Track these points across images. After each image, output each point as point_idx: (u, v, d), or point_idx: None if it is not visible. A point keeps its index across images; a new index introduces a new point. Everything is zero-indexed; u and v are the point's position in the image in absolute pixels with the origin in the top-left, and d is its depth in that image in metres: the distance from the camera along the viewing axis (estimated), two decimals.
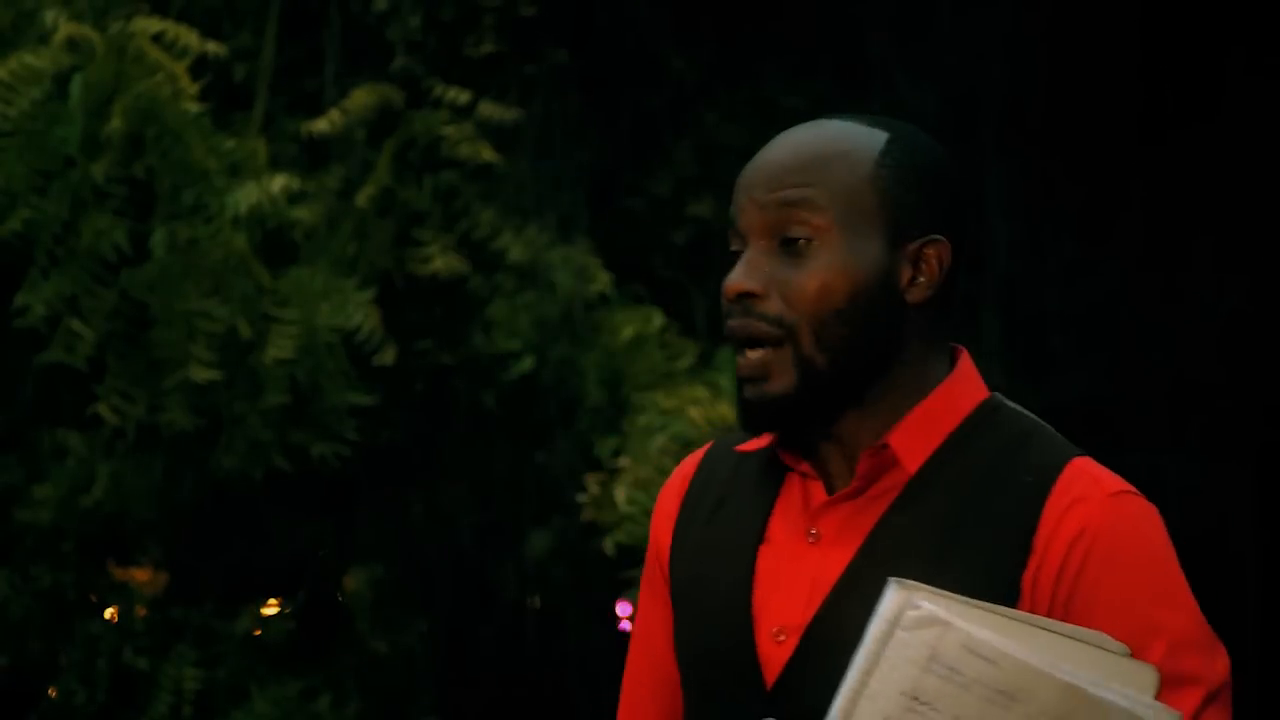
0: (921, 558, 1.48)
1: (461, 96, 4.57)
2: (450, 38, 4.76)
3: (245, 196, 4.22)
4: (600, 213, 5.04)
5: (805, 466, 1.59)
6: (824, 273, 1.53)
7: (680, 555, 1.63)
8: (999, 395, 1.61)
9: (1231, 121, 5.70)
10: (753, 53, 5.42)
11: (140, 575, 5.01)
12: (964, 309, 5.73)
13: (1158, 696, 1.46)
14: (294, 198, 4.35)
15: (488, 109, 4.56)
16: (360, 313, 4.36)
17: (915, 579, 1.44)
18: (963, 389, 1.58)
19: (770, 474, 1.61)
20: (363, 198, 4.50)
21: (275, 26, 4.66)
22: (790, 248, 1.54)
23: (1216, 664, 1.52)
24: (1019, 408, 1.61)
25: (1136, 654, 1.47)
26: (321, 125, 4.48)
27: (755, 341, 1.53)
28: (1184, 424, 5.77)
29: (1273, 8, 5.54)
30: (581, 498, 4.42)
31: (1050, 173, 5.67)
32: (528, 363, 4.62)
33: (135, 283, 4.26)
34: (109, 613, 4.90)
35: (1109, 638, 1.46)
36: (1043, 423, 1.60)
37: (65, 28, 4.20)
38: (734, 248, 1.57)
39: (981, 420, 1.58)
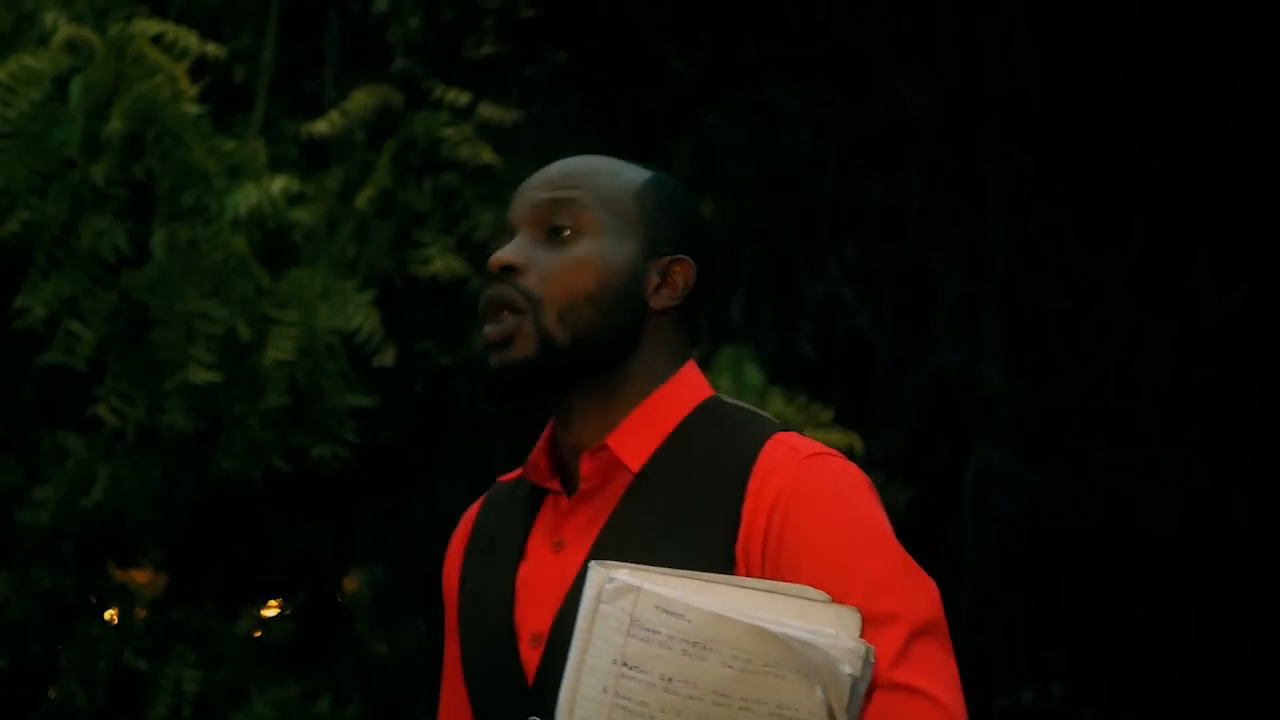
0: (644, 549, 1.58)
1: (461, 98, 4.58)
2: (450, 39, 4.77)
3: (245, 198, 4.23)
4: None
5: (553, 483, 1.73)
6: (579, 258, 1.69)
7: (462, 589, 1.78)
8: (721, 396, 1.74)
9: (1231, 124, 5.71)
10: (752, 54, 5.42)
11: (140, 577, 5.02)
12: (963, 310, 5.73)
13: (862, 635, 1.53)
14: (294, 199, 4.36)
15: (488, 110, 4.57)
16: (360, 314, 4.36)
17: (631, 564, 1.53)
18: (682, 391, 1.71)
19: (531, 497, 1.76)
20: (362, 199, 4.50)
21: (275, 28, 4.67)
22: (554, 236, 1.70)
23: (919, 601, 1.59)
24: (741, 404, 1.74)
25: (838, 601, 1.54)
26: (321, 127, 4.49)
27: (503, 307, 1.69)
28: (1183, 425, 5.78)
29: (1273, 13, 5.55)
30: None
31: (1049, 174, 5.68)
32: None
33: (135, 284, 4.27)
34: (109, 614, 4.90)
35: (810, 589, 1.54)
36: (761, 413, 1.72)
37: (65, 29, 4.20)
38: (501, 243, 1.74)
39: (700, 418, 1.70)
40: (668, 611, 1.49)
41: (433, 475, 5.10)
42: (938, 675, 1.56)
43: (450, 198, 4.65)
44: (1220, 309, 5.75)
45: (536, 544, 1.71)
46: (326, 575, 5.25)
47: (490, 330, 1.71)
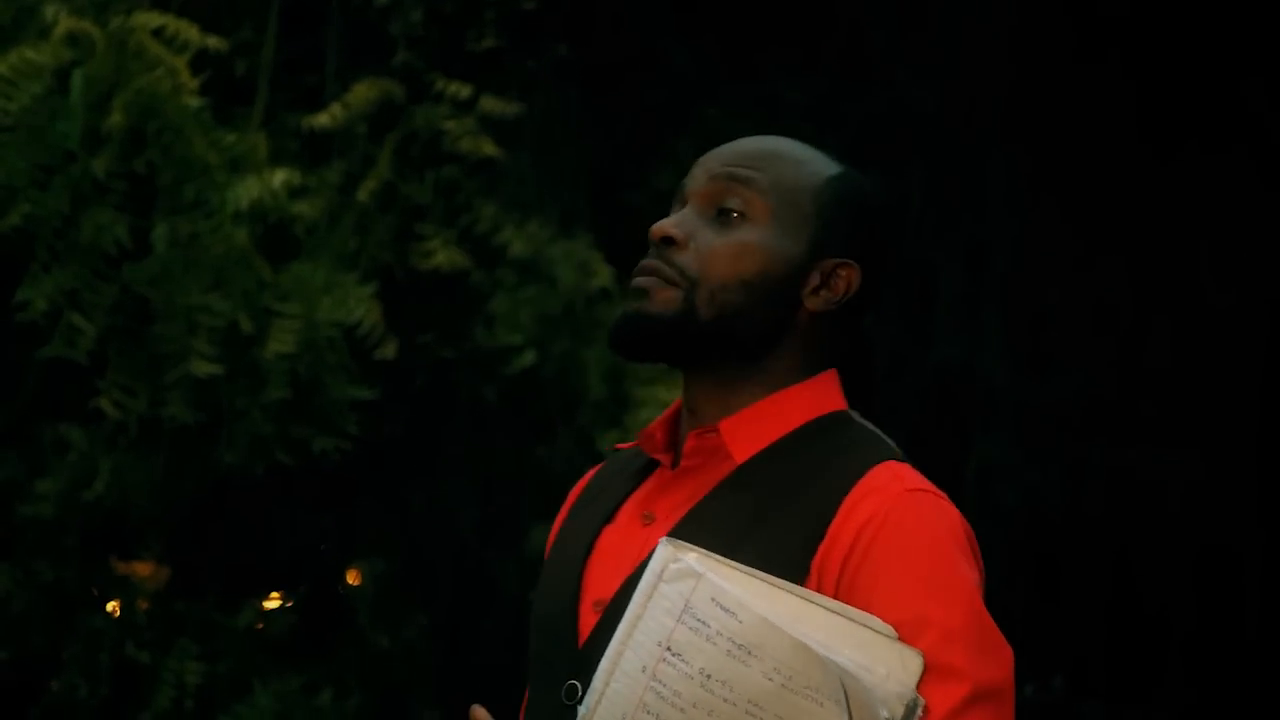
0: (726, 540, 1.54)
1: (463, 91, 4.57)
2: (451, 32, 4.76)
3: (246, 191, 4.23)
4: (602, 207, 5.04)
5: (664, 457, 1.67)
6: (743, 243, 1.63)
7: (553, 547, 1.75)
8: (854, 413, 1.67)
9: (1234, 118, 5.70)
10: (754, 47, 5.42)
11: (142, 569, 5.02)
12: (965, 305, 5.73)
13: (920, 685, 1.48)
14: (295, 192, 4.36)
15: (489, 103, 4.56)
16: (361, 307, 4.36)
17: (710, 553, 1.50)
18: (811, 396, 1.66)
19: (643, 468, 1.70)
20: (364, 192, 4.50)
21: (276, 21, 4.66)
22: (723, 217, 1.64)
23: (990, 665, 1.53)
24: (868, 425, 1.67)
25: (907, 641, 1.49)
26: (323, 120, 4.48)
27: (654, 278, 1.63)
28: (1186, 418, 5.78)
29: (1276, 7, 5.54)
30: None
31: (1050, 169, 5.67)
32: (529, 357, 4.62)
33: (136, 277, 4.27)
34: (111, 606, 4.91)
35: (877, 619, 1.49)
36: (886, 439, 1.66)
37: (65, 22, 4.20)
38: (673, 211, 1.68)
39: (821, 428, 1.64)
40: (722, 606, 1.45)
41: (434, 468, 5.10)
42: None
43: (452, 190, 4.65)
44: (1221, 302, 5.75)
45: (628, 512, 1.67)
46: (328, 568, 5.25)
47: (636, 280, 1.64)
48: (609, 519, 1.67)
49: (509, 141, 4.63)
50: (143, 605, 4.89)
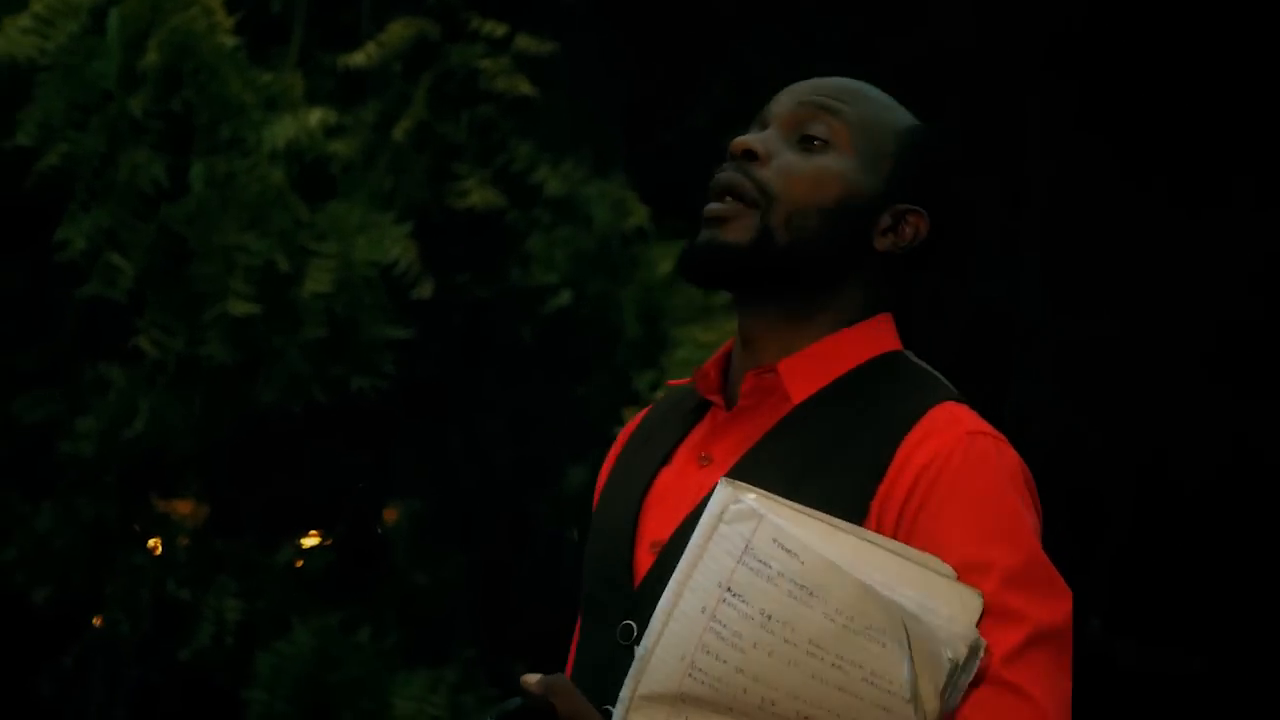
0: (785, 481, 1.53)
1: (498, 29, 4.55)
2: None
3: (282, 130, 4.23)
4: (637, 146, 5.02)
5: (717, 397, 1.66)
6: (826, 168, 1.63)
7: (606, 485, 1.74)
8: (909, 353, 1.67)
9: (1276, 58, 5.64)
10: None
11: (182, 507, 5.05)
12: (1004, 243, 5.70)
13: (979, 625, 1.48)
14: (331, 131, 4.35)
15: (524, 42, 4.54)
16: (397, 246, 4.36)
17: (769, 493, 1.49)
18: (868, 337, 1.65)
19: (695, 408, 1.69)
20: (400, 131, 4.49)
21: None
22: (806, 144, 1.64)
23: (1049, 607, 1.53)
24: (924, 365, 1.66)
25: (967, 582, 1.49)
26: (358, 59, 4.47)
27: (733, 193, 1.62)
28: (1223, 363, 5.74)
29: None
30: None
31: (1090, 108, 5.63)
32: (565, 297, 4.62)
33: (174, 216, 4.28)
34: (151, 544, 4.95)
35: (937, 560, 1.49)
36: (941, 378, 1.65)
37: None
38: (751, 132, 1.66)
39: (878, 367, 1.64)
40: (784, 547, 1.45)
41: (470, 407, 5.11)
42: (1050, 686, 1.49)
43: (487, 129, 4.63)
44: (1260, 247, 5.70)
45: (684, 454, 1.66)
46: (365, 506, 5.28)
47: (710, 210, 1.62)
48: (666, 461, 1.67)
49: (544, 80, 4.61)
50: (183, 543, 4.92)
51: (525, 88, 4.50)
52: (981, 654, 1.47)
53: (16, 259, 5.05)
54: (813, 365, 1.62)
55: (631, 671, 1.48)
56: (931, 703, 1.44)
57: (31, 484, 4.87)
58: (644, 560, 1.62)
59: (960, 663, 1.45)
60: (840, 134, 1.63)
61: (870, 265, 1.65)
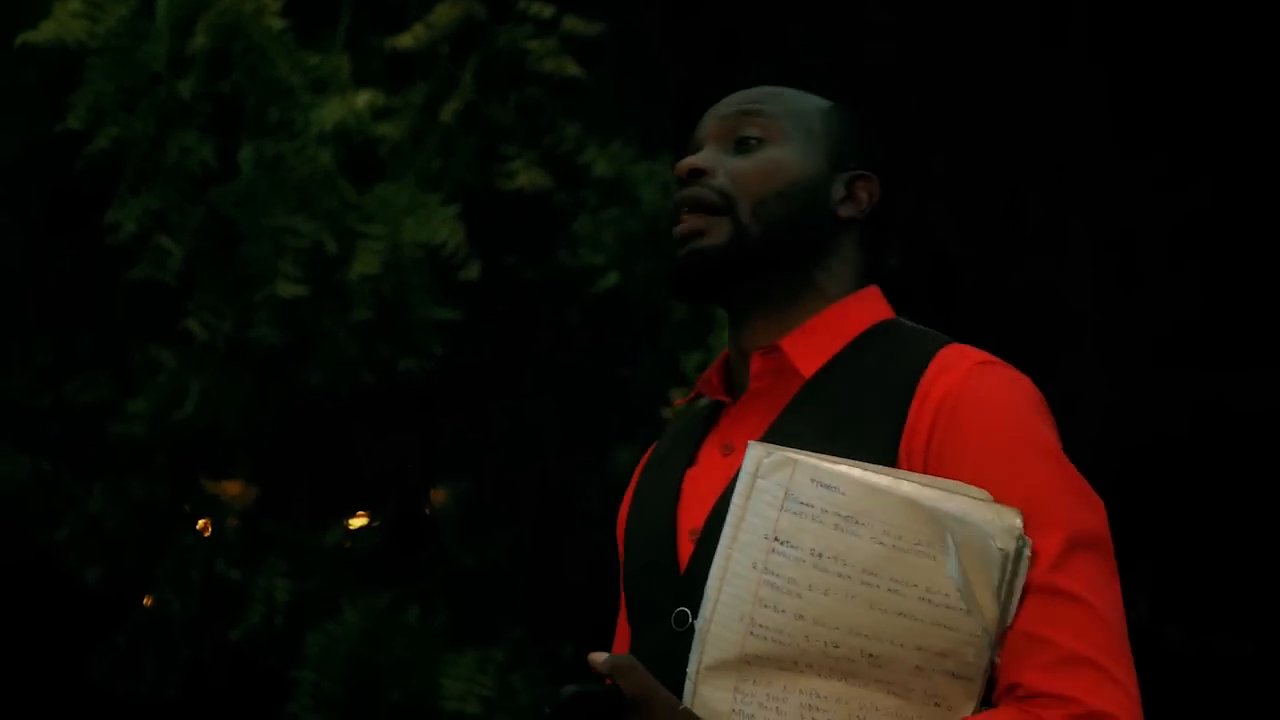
0: (807, 445, 1.56)
1: (546, 10, 4.55)
2: None
3: (330, 113, 4.24)
4: (684, 127, 5.01)
5: (726, 397, 1.73)
6: (769, 161, 1.72)
7: (633, 500, 1.79)
8: (902, 319, 1.72)
9: None
10: None
11: (231, 488, 5.08)
12: (1050, 222, 5.67)
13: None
14: (379, 114, 4.36)
15: (572, 23, 4.54)
16: (445, 228, 4.37)
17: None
18: (863, 307, 1.71)
19: (709, 413, 1.75)
20: (447, 113, 4.49)
21: None
22: (742, 146, 1.73)
23: (1084, 514, 1.55)
24: (922, 328, 1.71)
25: (1001, 501, 1.51)
26: (406, 41, 4.48)
27: (697, 206, 1.70)
28: (1274, 339, 5.70)
29: None
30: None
31: (1142, 82, 5.59)
32: (612, 278, 4.62)
33: (223, 199, 4.30)
34: (201, 524, 4.97)
35: (971, 487, 1.52)
36: (942, 335, 1.69)
37: None
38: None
39: (878, 333, 1.69)
40: (822, 484, 1.47)
41: (518, 389, 5.12)
42: (1097, 586, 1.52)
43: (534, 111, 4.63)
44: None
45: (708, 449, 1.71)
46: (413, 487, 5.30)
47: (681, 228, 1.71)
48: (692, 461, 1.72)
49: (592, 61, 4.61)
50: (232, 523, 4.95)
51: (573, 69, 4.49)
52: (1028, 551, 1.48)
53: (68, 242, 5.08)
54: (814, 339, 1.68)
55: (694, 646, 1.49)
56: (989, 604, 1.45)
57: (83, 465, 4.91)
58: (684, 548, 1.64)
59: (1010, 554, 1.45)
60: (770, 128, 1.73)
61: (841, 235, 1.72)
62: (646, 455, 1.85)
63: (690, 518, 1.66)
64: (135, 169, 4.30)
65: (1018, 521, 1.48)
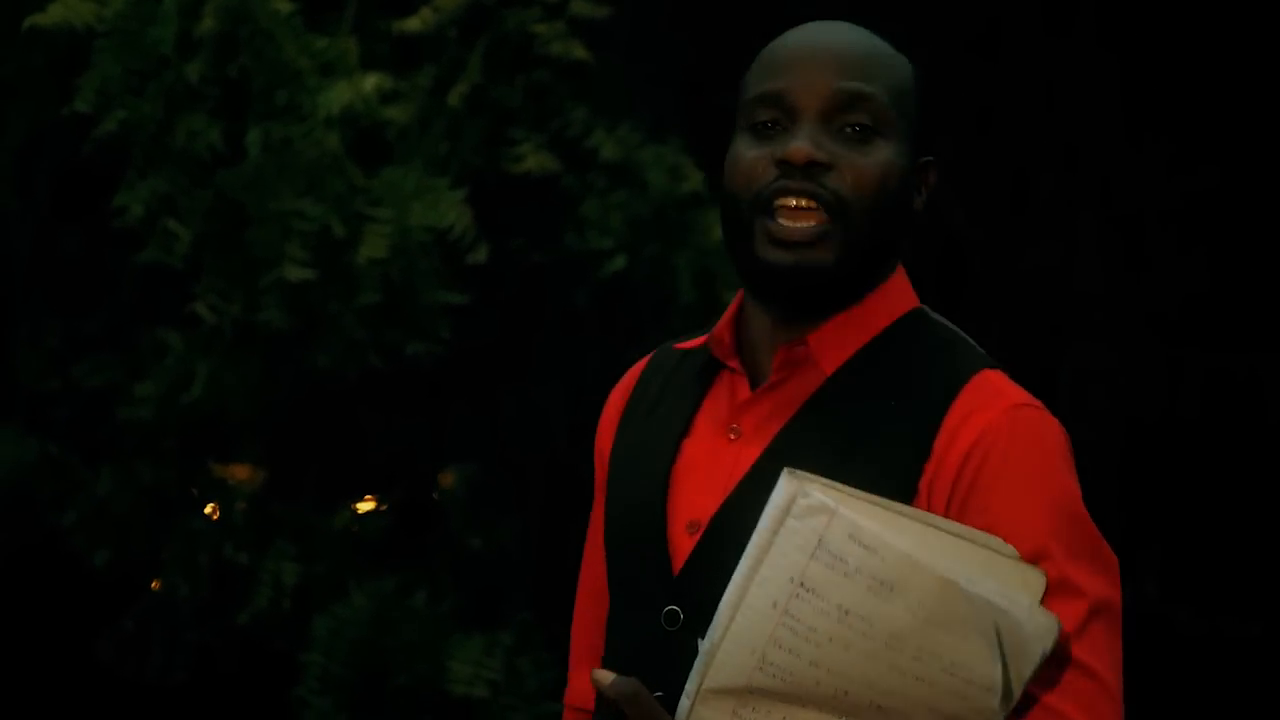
0: (826, 456, 1.51)
1: None
2: None
3: (338, 96, 4.23)
4: (693, 111, 5.00)
5: (734, 363, 1.63)
6: (886, 163, 1.57)
7: (616, 451, 1.69)
8: (926, 308, 1.64)
9: None
10: None
11: (239, 472, 5.08)
12: (1060, 206, 5.66)
13: (1043, 602, 1.48)
14: (386, 97, 4.35)
15: (580, 6, 4.52)
16: (453, 212, 4.36)
17: (817, 475, 1.47)
18: (890, 298, 1.62)
19: (705, 371, 1.65)
20: (455, 96, 4.49)
21: None
22: (852, 133, 1.57)
23: (1105, 579, 1.54)
24: (944, 320, 1.64)
25: (1025, 560, 1.48)
26: (413, 24, 4.47)
27: (815, 202, 1.55)
28: None
29: None
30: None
31: (1150, 65, 5.57)
32: (620, 261, 4.61)
33: (230, 183, 4.29)
34: (209, 509, 4.98)
35: (999, 540, 1.49)
36: (964, 335, 1.63)
37: None
38: (766, 118, 1.58)
39: (904, 329, 1.61)
40: (860, 543, 1.43)
41: (526, 372, 5.12)
42: (1109, 658, 1.52)
43: (542, 94, 4.62)
44: None
45: (707, 426, 1.62)
46: (421, 471, 5.30)
47: (792, 230, 1.54)
48: (686, 431, 1.63)
49: (600, 45, 4.60)
50: (240, 507, 4.95)
51: (581, 52, 4.48)
52: (1058, 636, 1.48)
53: (75, 226, 5.08)
54: (841, 334, 1.60)
55: (697, 665, 1.46)
56: (1017, 692, 1.45)
57: (91, 449, 4.91)
58: (681, 542, 1.58)
59: (1049, 651, 1.46)
60: (880, 116, 1.57)
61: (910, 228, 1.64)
62: (631, 381, 1.73)
63: (687, 507, 1.59)
64: (143, 152, 4.29)
65: (1040, 592, 1.47)
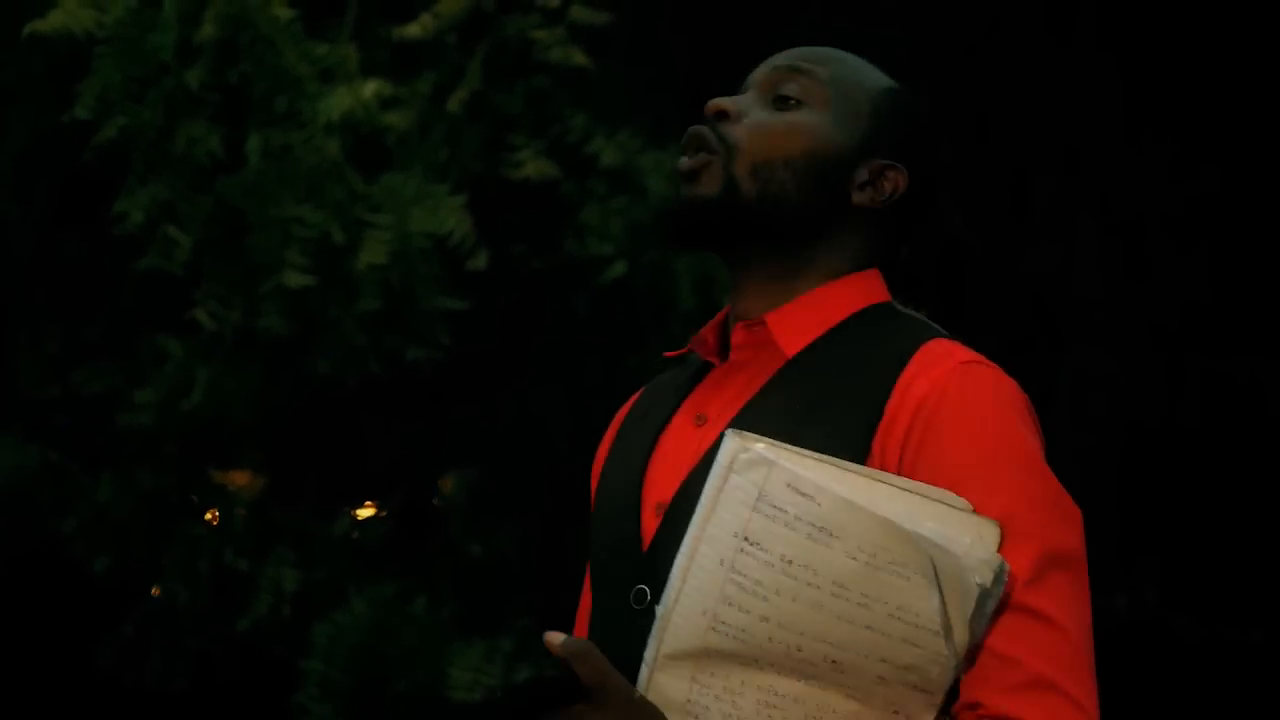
0: (784, 432, 1.52)
1: (553, 0, 4.55)
2: None
3: (338, 103, 4.24)
4: (692, 116, 5.00)
5: (714, 358, 1.68)
6: (793, 122, 1.65)
7: (607, 461, 1.75)
8: (897, 304, 1.67)
9: None
10: None
11: (239, 478, 5.09)
12: (1059, 213, 5.66)
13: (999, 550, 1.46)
14: (386, 103, 4.36)
15: (579, 12, 4.53)
16: (452, 218, 4.37)
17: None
18: (856, 289, 1.66)
19: (695, 373, 1.71)
20: (454, 103, 4.49)
21: None
22: (780, 103, 1.67)
23: (1062, 529, 1.52)
24: (913, 313, 1.67)
25: (979, 511, 1.47)
26: (413, 30, 4.47)
27: (700, 147, 1.65)
28: None
29: None
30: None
31: (1150, 70, 5.57)
32: (620, 267, 4.62)
33: (230, 189, 4.29)
34: (209, 515, 4.98)
35: (951, 494, 1.47)
36: (931, 323, 1.65)
37: None
38: None
39: (868, 317, 1.64)
40: (799, 491, 1.43)
41: (525, 378, 5.12)
42: (1071, 607, 1.50)
43: (542, 100, 4.63)
44: None
45: (681, 417, 1.67)
46: (421, 477, 5.30)
47: (682, 162, 1.67)
48: (665, 424, 1.68)
49: (599, 51, 4.60)
50: (240, 513, 4.95)
51: (580, 58, 4.49)
52: (1005, 579, 1.45)
53: (75, 232, 5.08)
54: (802, 317, 1.63)
55: (653, 632, 1.46)
56: (961, 632, 1.44)
57: (91, 455, 4.91)
58: (650, 524, 1.61)
59: (988, 587, 1.43)
60: (813, 92, 1.66)
61: (852, 220, 1.66)
62: (631, 401, 1.80)
63: (657, 490, 1.62)
64: (143, 159, 4.30)
65: (996, 548, 1.45)
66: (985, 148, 5.57)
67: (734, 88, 1.74)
